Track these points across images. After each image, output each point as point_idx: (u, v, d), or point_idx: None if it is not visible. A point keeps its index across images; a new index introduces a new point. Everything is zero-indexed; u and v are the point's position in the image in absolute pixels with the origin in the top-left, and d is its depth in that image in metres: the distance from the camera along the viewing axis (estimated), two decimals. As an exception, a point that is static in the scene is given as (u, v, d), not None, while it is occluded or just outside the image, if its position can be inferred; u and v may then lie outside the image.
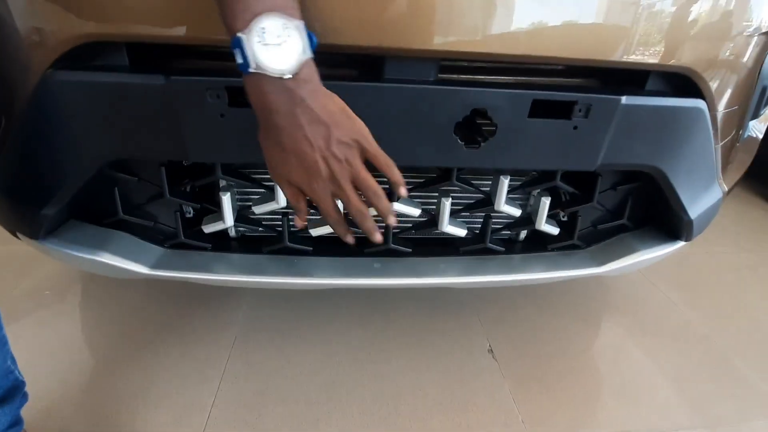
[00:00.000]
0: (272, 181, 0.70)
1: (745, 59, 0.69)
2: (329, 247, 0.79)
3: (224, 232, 0.80)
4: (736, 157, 0.83)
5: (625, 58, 0.60)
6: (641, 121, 0.64)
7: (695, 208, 0.77)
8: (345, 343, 0.98)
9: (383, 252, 0.78)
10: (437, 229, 0.76)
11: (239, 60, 0.44)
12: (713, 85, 0.66)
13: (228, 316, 1.03)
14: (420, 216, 0.74)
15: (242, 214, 0.77)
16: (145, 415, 0.79)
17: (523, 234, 0.87)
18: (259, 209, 0.71)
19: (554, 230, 0.82)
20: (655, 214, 0.86)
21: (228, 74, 0.54)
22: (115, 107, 0.55)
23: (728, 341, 1.07)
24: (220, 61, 0.59)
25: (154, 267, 0.72)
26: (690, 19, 0.60)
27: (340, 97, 0.50)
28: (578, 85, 0.69)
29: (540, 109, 0.60)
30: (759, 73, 0.73)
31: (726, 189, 0.84)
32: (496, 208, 0.74)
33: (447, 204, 0.72)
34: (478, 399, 0.86)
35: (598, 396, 0.89)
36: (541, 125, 0.62)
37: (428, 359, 0.94)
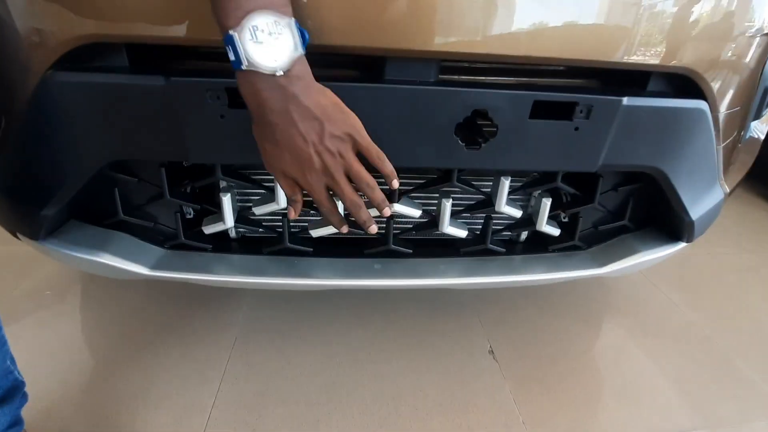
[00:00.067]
0: (273, 182, 0.70)
1: (747, 60, 0.69)
2: (329, 248, 0.78)
3: (224, 233, 0.80)
4: (738, 158, 0.83)
5: (626, 59, 0.59)
6: (643, 122, 0.64)
7: (697, 209, 0.77)
8: (345, 344, 0.97)
9: (384, 253, 0.77)
10: (438, 230, 0.76)
11: (231, 57, 0.44)
12: (715, 86, 0.66)
13: (228, 317, 1.03)
14: (420, 217, 0.74)
15: (242, 215, 0.77)
16: (145, 416, 0.79)
17: (523, 235, 0.87)
18: (259, 210, 0.71)
19: (555, 231, 0.82)
20: (657, 215, 0.86)
21: (228, 75, 0.54)
22: (115, 108, 0.55)
23: (730, 342, 1.06)
24: (220, 62, 0.59)
25: (154, 268, 0.72)
26: (691, 19, 0.60)
27: (341, 98, 0.50)
28: (579, 86, 0.69)
29: (541, 110, 0.60)
30: (761, 74, 0.73)
31: (727, 190, 0.84)
32: (496, 209, 0.74)
33: (448, 205, 0.72)
34: (478, 400, 0.86)
35: (599, 397, 0.89)
36: (542, 126, 0.62)
37: (429, 360, 0.94)
